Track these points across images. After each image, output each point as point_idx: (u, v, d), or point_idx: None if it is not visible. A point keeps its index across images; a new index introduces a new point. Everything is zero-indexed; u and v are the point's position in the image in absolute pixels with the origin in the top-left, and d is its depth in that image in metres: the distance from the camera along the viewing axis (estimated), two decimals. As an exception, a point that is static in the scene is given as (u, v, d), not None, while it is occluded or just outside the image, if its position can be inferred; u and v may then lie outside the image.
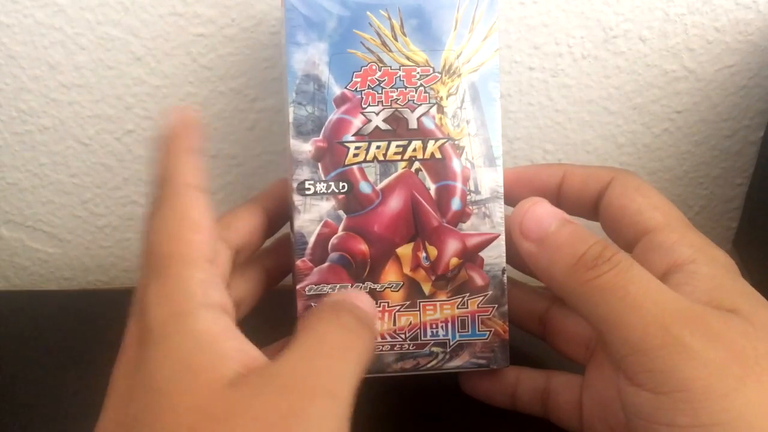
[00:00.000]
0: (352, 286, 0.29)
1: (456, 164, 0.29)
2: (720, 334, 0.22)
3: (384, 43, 0.29)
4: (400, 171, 0.29)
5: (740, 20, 0.37)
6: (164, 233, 0.23)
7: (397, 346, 0.29)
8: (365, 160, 0.29)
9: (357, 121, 0.29)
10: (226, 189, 0.41)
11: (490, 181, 0.30)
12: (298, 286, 0.29)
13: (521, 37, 0.37)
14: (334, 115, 0.29)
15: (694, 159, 0.41)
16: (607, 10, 0.37)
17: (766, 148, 0.39)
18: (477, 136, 0.29)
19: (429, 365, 0.30)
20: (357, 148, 0.29)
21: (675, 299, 0.23)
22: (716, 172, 0.42)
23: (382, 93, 0.29)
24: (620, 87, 0.39)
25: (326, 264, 0.29)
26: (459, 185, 0.29)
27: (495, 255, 0.30)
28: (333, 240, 0.29)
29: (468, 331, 0.30)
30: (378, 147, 0.29)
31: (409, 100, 0.29)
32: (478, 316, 0.30)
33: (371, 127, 0.29)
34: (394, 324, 0.29)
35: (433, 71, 0.29)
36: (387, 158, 0.29)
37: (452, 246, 0.29)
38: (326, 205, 0.29)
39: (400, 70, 0.29)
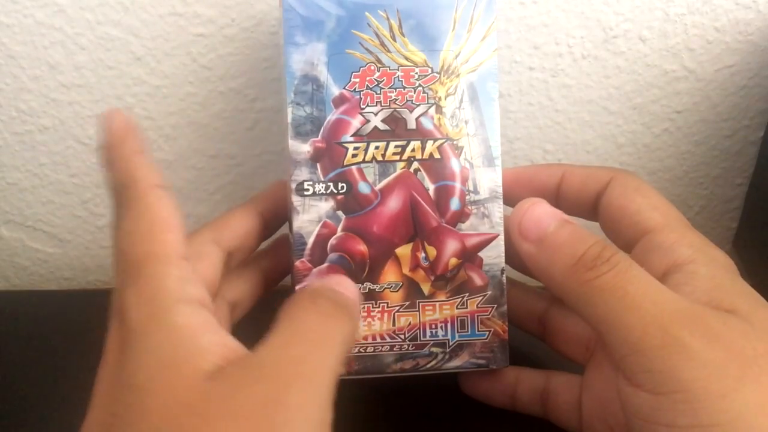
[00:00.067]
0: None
1: (455, 164, 0.29)
2: (719, 335, 0.22)
3: (382, 44, 0.29)
4: (398, 171, 0.29)
5: (740, 20, 0.37)
6: (135, 236, 0.23)
7: (397, 346, 0.29)
8: (364, 161, 0.29)
9: (355, 122, 0.29)
10: (226, 189, 0.41)
11: (488, 181, 0.30)
12: (297, 287, 0.29)
13: (521, 37, 0.37)
14: (332, 116, 0.29)
15: (694, 159, 0.41)
16: (607, 10, 0.37)
17: (766, 148, 0.39)
18: (476, 136, 0.29)
19: (428, 365, 0.30)
20: (356, 148, 0.29)
21: (674, 300, 0.23)
22: (716, 172, 0.42)
23: (380, 93, 0.29)
24: (620, 87, 0.39)
25: (325, 264, 0.29)
26: (458, 185, 0.29)
27: (494, 255, 0.29)
28: (332, 240, 0.29)
29: (467, 332, 0.30)
30: (377, 147, 0.29)
31: (407, 101, 0.29)
32: (478, 316, 0.30)
33: (370, 127, 0.29)
34: (394, 324, 0.29)
35: (432, 71, 0.29)
36: (386, 158, 0.29)
37: (451, 246, 0.29)
38: (325, 206, 0.29)
39: (398, 70, 0.29)
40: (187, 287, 0.23)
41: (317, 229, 0.29)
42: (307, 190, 0.29)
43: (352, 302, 0.25)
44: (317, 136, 0.29)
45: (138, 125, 0.26)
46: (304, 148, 0.29)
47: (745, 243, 0.42)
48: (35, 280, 0.45)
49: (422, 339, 0.29)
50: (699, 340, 0.22)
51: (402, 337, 0.29)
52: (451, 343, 0.30)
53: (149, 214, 0.24)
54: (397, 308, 0.29)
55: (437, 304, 0.29)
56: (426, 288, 0.29)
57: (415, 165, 0.29)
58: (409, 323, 0.29)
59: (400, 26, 0.29)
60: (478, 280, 0.30)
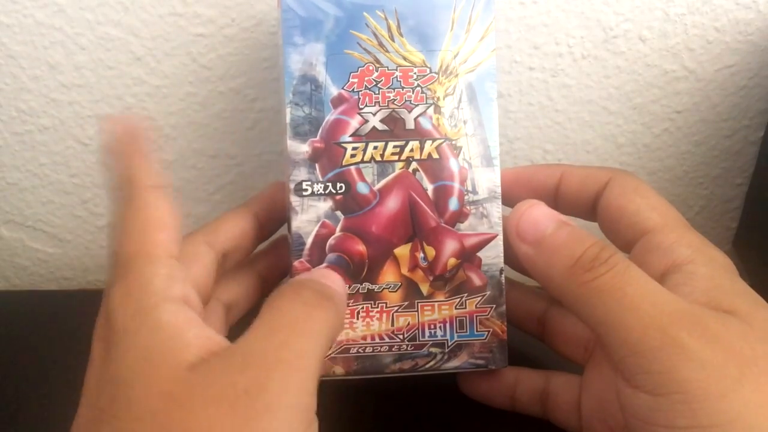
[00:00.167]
0: (350, 287, 0.29)
1: (453, 164, 0.29)
2: (718, 336, 0.22)
3: (381, 44, 0.29)
4: (397, 171, 0.29)
5: (740, 20, 0.37)
6: (129, 235, 0.24)
7: (396, 346, 0.29)
8: (362, 161, 0.29)
9: (354, 122, 0.29)
10: (226, 189, 0.41)
11: (487, 181, 0.29)
12: (294, 287, 0.29)
13: (521, 37, 0.37)
14: (331, 116, 0.29)
15: (694, 159, 0.41)
16: (607, 10, 0.37)
17: (766, 148, 0.39)
18: (474, 136, 0.29)
19: (427, 366, 0.30)
20: (354, 148, 0.29)
21: (673, 300, 0.23)
22: (716, 172, 0.42)
23: (379, 93, 0.29)
24: (620, 87, 0.39)
25: (324, 265, 0.29)
26: (456, 185, 0.29)
27: (493, 255, 0.29)
28: (330, 241, 0.29)
29: (466, 332, 0.30)
30: (375, 147, 0.29)
31: (406, 101, 0.29)
32: (477, 316, 0.30)
33: (368, 127, 0.29)
34: (392, 324, 0.29)
35: (430, 71, 0.29)
36: (384, 159, 0.29)
37: (450, 246, 0.29)
38: (324, 206, 0.29)
39: (397, 70, 0.29)
40: (174, 286, 0.23)
41: (316, 229, 0.29)
42: (306, 190, 0.29)
43: (337, 294, 0.25)
44: (316, 137, 0.29)
45: (145, 126, 0.26)
46: (302, 148, 0.29)
47: (745, 243, 0.42)
48: (35, 280, 0.45)
49: (421, 339, 0.29)
50: (698, 340, 0.22)
51: (401, 337, 0.29)
52: (449, 344, 0.30)
53: (143, 214, 0.24)
54: (396, 308, 0.29)
55: (436, 304, 0.29)
56: (425, 288, 0.29)
57: (414, 165, 0.29)
58: (408, 323, 0.29)
59: (399, 26, 0.29)
60: (476, 280, 0.29)
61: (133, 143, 0.25)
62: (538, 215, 0.26)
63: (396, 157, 0.29)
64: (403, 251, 0.29)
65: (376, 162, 0.29)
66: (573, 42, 0.37)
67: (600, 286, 0.24)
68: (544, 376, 0.30)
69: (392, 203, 0.29)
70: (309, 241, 0.29)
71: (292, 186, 0.29)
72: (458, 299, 0.29)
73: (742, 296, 0.24)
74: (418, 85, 0.29)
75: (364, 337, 0.29)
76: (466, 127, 0.29)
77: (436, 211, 0.29)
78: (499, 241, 0.29)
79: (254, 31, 0.37)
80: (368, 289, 0.29)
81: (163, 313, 0.22)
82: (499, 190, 0.30)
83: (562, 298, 0.25)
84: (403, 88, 0.29)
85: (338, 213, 0.29)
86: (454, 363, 0.30)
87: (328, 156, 0.29)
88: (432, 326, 0.29)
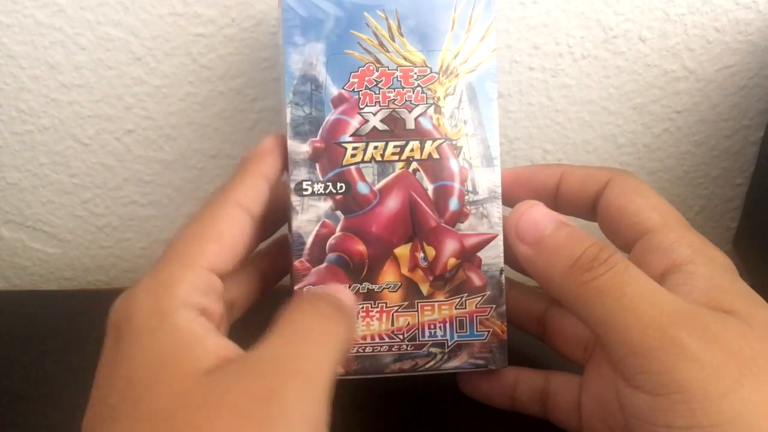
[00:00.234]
0: (350, 287, 0.29)
1: (453, 164, 0.29)
2: (717, 336, 0.22)
3: (381, 44, 0.29)
4: (397, 171, 0.29)
5: (740, 20, 0.37)
6: (186, 235, 0.25)
7: (395, 346, 0.29)
8: (363, 161, 0.29)
9: (354, 122, 0.29)
10: (226, 189, 0.41)
11: (487, 181, 0.29)
12: (296, 287, 0.29)
13: (521, 37, 0.37)
14: (331, 116, 0.29)
15: (694, 159, 0.41)
16: (607, 10, 0.37)
17: (766, 148, 0.39)
18: (474, 136, 0.29)
19: (427, 366, 0.30)
20: (354, 148, 0.29)
21: (672, 300, 0.23)
22: (716, 172, 0.42)
23: (379, 93, 0.29)
24: (620, 87, 0.39)
25: (324, 265, 0.29)
26: (457, 185, 0.29)
27: (493, 255, 0.29)
28: (331, 240, 0.29)
29: (466, 332, 0.30)
30: (375, 147, 0.29)
31: (406, 101, 0.29)
32: (477, 316, 0.30)
33: (369, 127, 0.29)
34: (392, 324, 0.29)
35: (431, 71, 0.29)
36: (384, 159, 0.29)
37: (450, 246, 0.29)
38: (324, 206, 0.29)
39: (397, 70, 0.29)
40: (194, 294, 0.23)
41: (316, 228, 0.29)
42: (306, 190, 0.29)
43: (349, 307, 0.25)
44: (316, 136, 0.29)
45: (283, 152, 0.28)
46: (302, 148, 0.29)
47: (745, 243, 0.42)
48: (35, 280, 0.45)
49: (421, 339, 0.29)
50: (697, 341, 0.22)
51: (401, 337, 0.29)
52: (449, 344, 0.30)
53: (210, 222, 0.25)
54: (396, 308, 0.29)
55: (436, 304, 0.29)
56: (425, 288, 0.29)
57: (414, 165, 0.29)
58: (408, 323, 0.29)
59: (399, 26, 0.29)
60: (476, 280, 0.29)
61: (258, 162, 0.27)
62: (538, 215, 0.26)
63: (396, 157, 0.29)
64: (403, 251, 0.29)
65: (377, 162, 0.29)
66: (573, 42, 0.37)
67: (599, 286, 0.24)
68: (544, 376, 0.30)
69: (392, 203, 0.29)
70: (309, 240, 0.29)
71: (292, 186, 0.29)
72: (458, 299, 0.29)
73: (742, 296, 0.24)
74: (419, 85, 0.29)
75: (364, 337, 0.29)
76: (466, 127, 0.29)
77: (436, 211, 0.29)
78: (499, 241, 0.29)
79: (254, 31, 0.37)
80: (368, 289, 0.29)
81: (179, 318, 0.22)
82: (499, 190, 0.30)
83: (561, 298, 0.25)
84: (403, 88, 0.29)
85: (338, 213, 0.29)
86: (454, 363, 0.30)
87: (328, 156, 0.29)
88: (432, 326, 0.29)
